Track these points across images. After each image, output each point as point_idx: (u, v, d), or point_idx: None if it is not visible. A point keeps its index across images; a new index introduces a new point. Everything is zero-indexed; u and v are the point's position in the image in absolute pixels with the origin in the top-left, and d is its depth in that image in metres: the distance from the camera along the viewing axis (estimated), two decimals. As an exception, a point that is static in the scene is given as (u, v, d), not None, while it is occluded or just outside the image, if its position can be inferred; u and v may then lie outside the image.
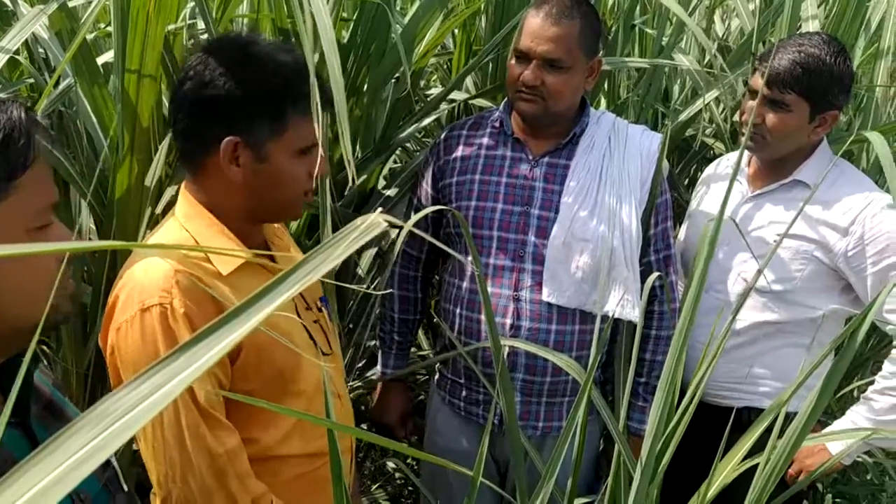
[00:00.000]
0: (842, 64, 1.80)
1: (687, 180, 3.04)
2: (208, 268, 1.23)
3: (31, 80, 2.24)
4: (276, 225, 1.48)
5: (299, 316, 1.38)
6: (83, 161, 1.79)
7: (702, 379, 1.20)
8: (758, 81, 1.84)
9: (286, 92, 1.24)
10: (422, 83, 3.13)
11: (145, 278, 1.19)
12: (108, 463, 1.03)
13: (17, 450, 0.87)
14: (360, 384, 2.61)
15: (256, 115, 1.23)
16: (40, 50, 2.30)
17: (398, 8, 2.63)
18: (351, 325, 2.40)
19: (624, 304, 1.77)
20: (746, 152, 2.01)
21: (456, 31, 2.64)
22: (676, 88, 3.21)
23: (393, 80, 2.34)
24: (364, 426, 2.36)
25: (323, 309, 1.48)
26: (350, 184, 1.23)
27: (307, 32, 1.28)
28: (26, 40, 2.24)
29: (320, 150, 1.21)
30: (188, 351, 0.43)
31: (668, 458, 1.16)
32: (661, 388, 1.12)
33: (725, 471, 1.24)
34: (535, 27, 1.74)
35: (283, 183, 1.28)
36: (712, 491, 1.17)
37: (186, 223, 1.28)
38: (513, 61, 1.79)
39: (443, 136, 1.96)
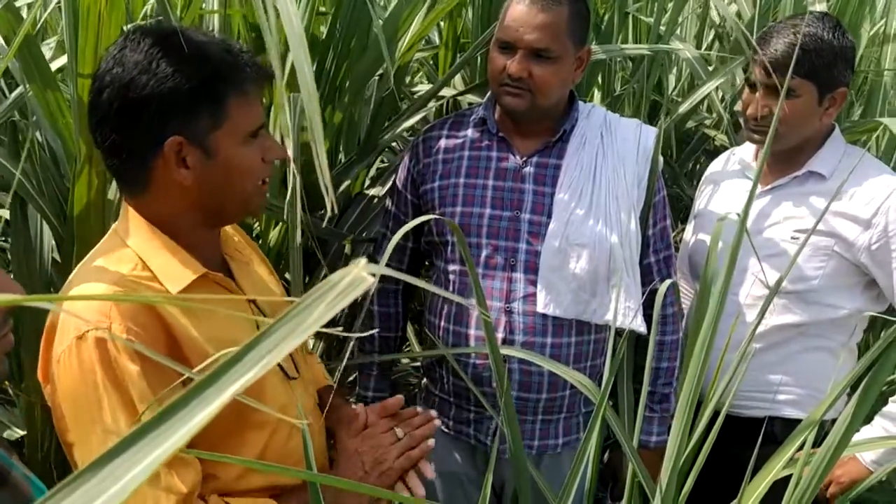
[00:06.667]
0: (841, 38, 1.70)
1: (688, 174, 2.93)
2: (155, 287, 1.11)
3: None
4: (236, 239, 1.35)
5: None
6: (40, 175, 1.66)
7: (725, 389, 1.09)
8: (758, 72, 1.74)
9: (220, 75, 1.11)
10: (407, 80, 3.01)
11: (80, 302, 1.05)
12: None
13: None
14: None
15: (193, 108, 1.10)
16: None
17: (380, 3, 2.50)
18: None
19: (626, 312, 1.64)
20: (752, 147, 1.89)
21: (442, 23, 2.52)
22: (672, 79, 3.09)
23: (377, 78, 2.21)
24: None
25: None
26: (329, 212, 1.10)
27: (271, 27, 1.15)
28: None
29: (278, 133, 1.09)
30: (152, 433, 0.36)
31: (693, 478, 1.06)
32: (683, 402, 1.02)
33: (759, 489, 1.12)
34: (521, 14, 1.60)
35: (238, 174, 1.16)
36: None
37: (127, 238, 1.15)
38: (496, 52, 1.65)
39: (420, 137, 1.82)
